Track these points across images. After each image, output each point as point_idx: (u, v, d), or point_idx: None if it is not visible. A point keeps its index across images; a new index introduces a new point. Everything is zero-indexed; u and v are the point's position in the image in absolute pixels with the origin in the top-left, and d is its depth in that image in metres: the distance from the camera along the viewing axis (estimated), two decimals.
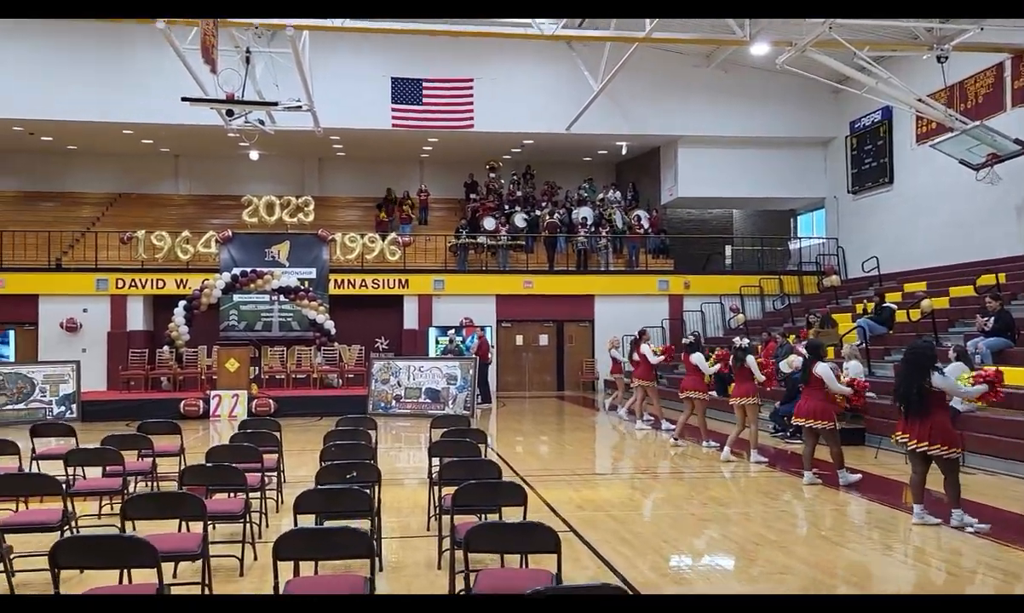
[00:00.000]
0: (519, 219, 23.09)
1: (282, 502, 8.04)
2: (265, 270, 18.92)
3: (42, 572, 5.59)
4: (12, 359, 18.95)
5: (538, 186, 25.21)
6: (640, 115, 22.26)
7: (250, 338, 19.01)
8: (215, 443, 7.91)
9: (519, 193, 24.55)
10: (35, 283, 20.43)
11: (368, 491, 5.66)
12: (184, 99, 15.03)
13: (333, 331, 18.70)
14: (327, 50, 19.44)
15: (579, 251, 22.49)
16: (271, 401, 16.41)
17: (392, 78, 20.12)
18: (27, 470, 7.68)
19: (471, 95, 20.32)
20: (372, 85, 20.42)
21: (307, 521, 5.22)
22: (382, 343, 21.64)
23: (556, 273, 22.30)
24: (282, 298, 19.14)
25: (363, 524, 5.33)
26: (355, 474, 6.12)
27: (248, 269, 18.87)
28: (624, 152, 24.48)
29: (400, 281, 21.39)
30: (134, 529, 5.94)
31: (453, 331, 19.43)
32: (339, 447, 7.33)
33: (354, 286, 21.14)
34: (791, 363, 11.01)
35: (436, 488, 6.76)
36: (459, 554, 5.11)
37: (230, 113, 15.69)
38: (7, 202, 24.47)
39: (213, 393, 16.43)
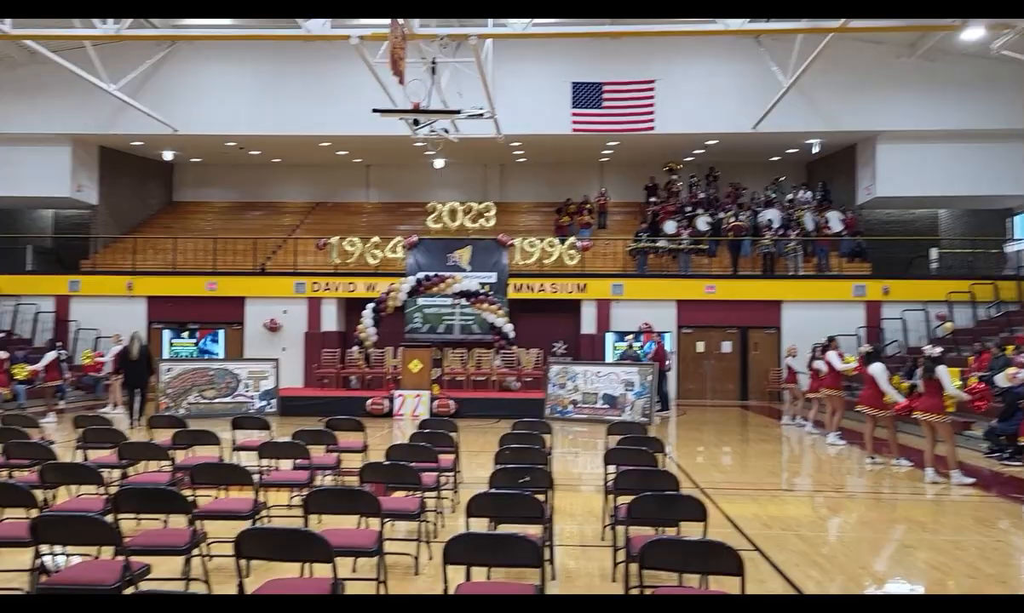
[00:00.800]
0: (702, 222, 22.37)
1: (458, 503, 8.11)
2: (448, 274, 19.41)
3: (232, 559, 5.90)
4: (221, 356, 20.56)
5: (722, 187, 24.36)
6: (834, 110, 20.97)
7: (432, 340, 19.58)
8: (397, 441, 8.10)
9: (702, 195, 23.80)
10: (242, 286, 22.08)
11: (540, 497, 5.54)
12: (375, 110, 15.66)
13: (512, 335, 18.89)
14: (509, 57, 19.72)
15: (765, 255, 21.47)
16: (451, 402, 16.77)
17: (573, 83, 20.06)
18: (227, 460, 8.19)
19: (652, 96, 19.89)
20: (552, 90, 20.49)
21: (480, 524, 5.17)
22: (559, 347, 21.64)
23: (740, 278, 21.41)
24: (463, 302, 19.56)
25: (535, 530, 5.22)
26: (528, 479, 6.02)
27: (432, 273, 19.43)
28: (816, 150, 23.14)
29: (578, 285, 21.31)
30: (319, 522, 6.17)
31: (631, 336, 19.08)
32: (513, 451, 7.27)
33: (533, 290, 21.28)
34: (1010, 376, 9.89)
35: (611, 497, 6.55)
36: (633, 568, 4.87)
37: (417, 122, 16.22)
38: (220, 212, 26.68)
39: (397, 393, 17.01)
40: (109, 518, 4.80)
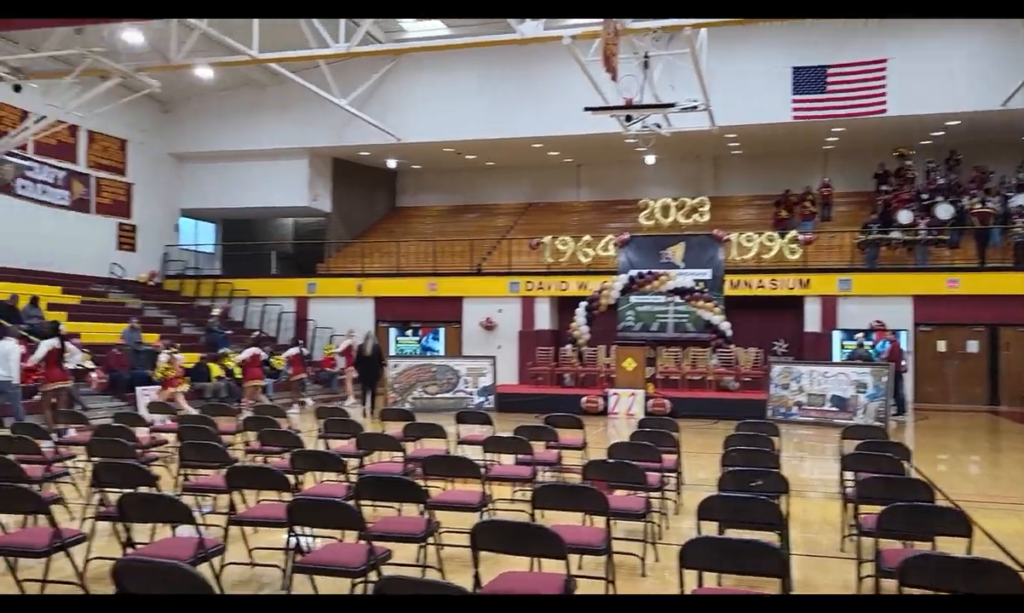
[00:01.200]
0: (942, 210, 20.43)
1: (681, 504, 7.88)
2: (660, 272, 19.08)
3: (462, 549, 6.05)
4: (442, 353, 21.48)
5: (964, 172, 22.15)
6: None
7: (646, 338, 19.30)
8: (614, 440, 8.02)
9: (941, 181, 21.75)
10: (460, 286, 22.95)
11: (775, 502, 5.23)
12: (587, 109, 15.69)
13: (729, 333, 18.23)
14: (724, 46, 18.99)
15: (1018, 244, 19.26)
16: (667, 401, 16.46)
17: (793, 68, 19.07)
18: (453, 453, 8.48)
19: (883, 77, 18.46)
20: (770, 77, 19.58)
21: (709, 528, 4.96)
22: (781, 346, 20.63)
23: (989, 270, 19.34)
24: (677, 299, 19.14)
25: (770, 537, 4.93)
26: (761, 482, 5.72)
27: (644, 271, 19.18)
28: None
29: (800, 281, 20.20)
30: (543, 517, 6.20)
31: (862, 335, 17.81)
32: (740, 452, 6.96)
33: (750, 287, 20.45)
34: None
35: (851, 505, 6.08)
36: (886, 583, 4.49)
37: (629, 118, 16.07)
38: (438, 216, 27.92)
39: (611, 391, 16.94)
40: (350, 503, 5.08)
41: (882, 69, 18.53)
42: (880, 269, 20.05)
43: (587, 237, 21.59)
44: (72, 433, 9.82)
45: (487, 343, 21.95)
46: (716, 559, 4.07)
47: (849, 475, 6.72)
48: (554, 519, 5.76)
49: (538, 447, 8.12)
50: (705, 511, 4.81)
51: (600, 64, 14.16)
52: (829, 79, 18.77)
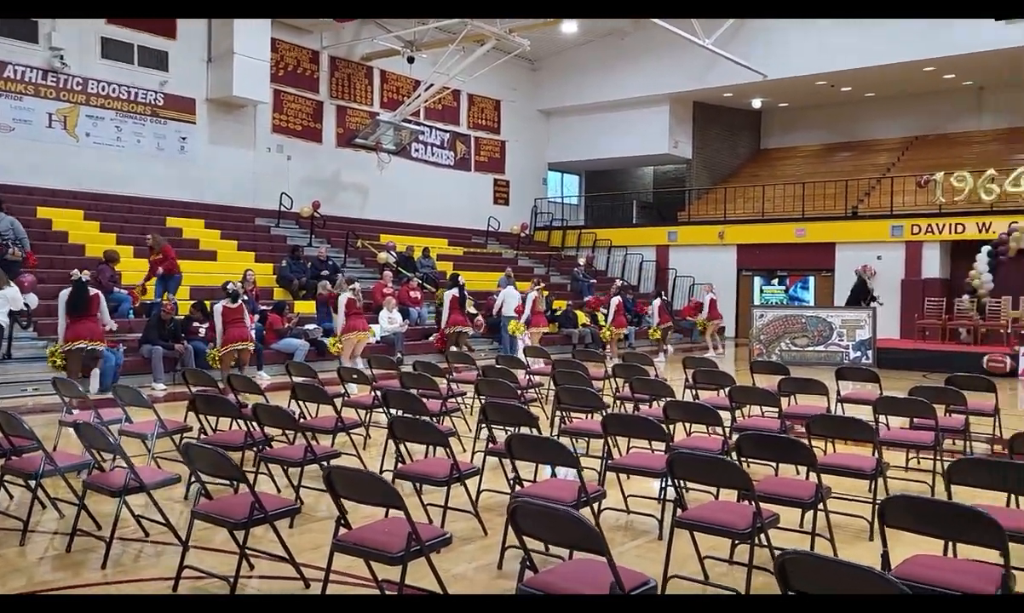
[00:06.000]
0: None
1: None
2: None
3: (853, 519, 5.47)
4: (812, 303, 20.12)
5: None
6: None
7: None
8: None
9: None
10: (832, 231, 21.25)
11: None
12: (1000, 17, 13.42)
13: None
14: None
15: None
16: None
17: None
18: (834, 412, 7.76)
19: None
20: None
21: None
22: None
23: None
24: None
25: None
26: None
27: None
28: None
29: None
30: (948, 495, 5.36)
31: None
32: None
33: None
34: None
35: None
36: None
37: None
38: (807, 156, 26.10)
39: (1023, 350, 14.57)
40: (732, 459, 4.77)
41: None
42: None
43: (991, 171, 18.69)
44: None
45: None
46: None
47: None
48: (968, 497, 4.94)
49: (938, 411, 7.11)
50: None
51: None
52: None
